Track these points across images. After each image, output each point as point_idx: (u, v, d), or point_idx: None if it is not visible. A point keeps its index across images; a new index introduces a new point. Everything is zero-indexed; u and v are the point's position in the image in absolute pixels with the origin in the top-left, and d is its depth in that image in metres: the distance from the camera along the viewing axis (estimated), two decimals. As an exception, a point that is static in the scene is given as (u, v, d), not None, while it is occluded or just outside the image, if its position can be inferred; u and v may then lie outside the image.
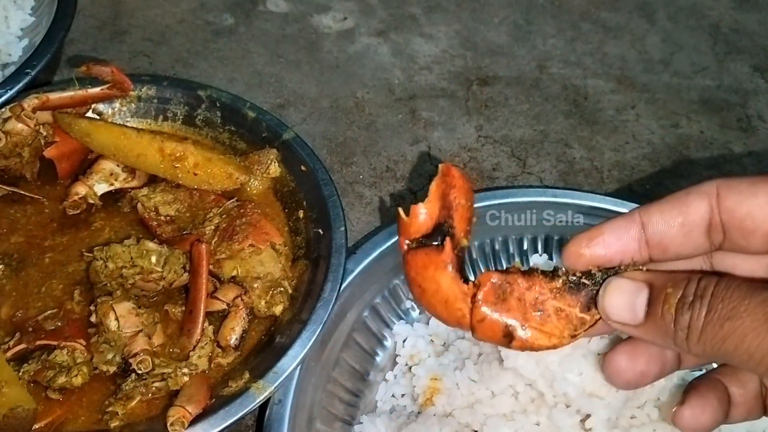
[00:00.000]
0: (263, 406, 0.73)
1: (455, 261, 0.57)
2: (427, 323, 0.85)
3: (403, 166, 1.04)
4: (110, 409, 0.71)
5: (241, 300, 0.78)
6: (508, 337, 0.57)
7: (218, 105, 0.95)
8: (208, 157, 0.85)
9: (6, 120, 0.83)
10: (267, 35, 1.20)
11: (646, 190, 1.04)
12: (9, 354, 0.72)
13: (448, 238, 0.57)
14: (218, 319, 0.78)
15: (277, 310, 0.79)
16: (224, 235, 0.81)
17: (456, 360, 0.76)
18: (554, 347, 0.57)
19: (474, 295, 0.57)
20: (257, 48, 1.18)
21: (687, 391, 0.57)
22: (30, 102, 0.85)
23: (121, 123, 0.92)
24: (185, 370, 0.73)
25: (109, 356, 0.72)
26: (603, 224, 0.56)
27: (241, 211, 0.84)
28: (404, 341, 0.83)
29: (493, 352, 0.74)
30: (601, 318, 0.56)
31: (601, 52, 1.25)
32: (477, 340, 0.63)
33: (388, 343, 0.84)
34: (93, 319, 0.75)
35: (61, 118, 0.86)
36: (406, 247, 0.59)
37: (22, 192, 0.85)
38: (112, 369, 0.72)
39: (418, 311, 0.87)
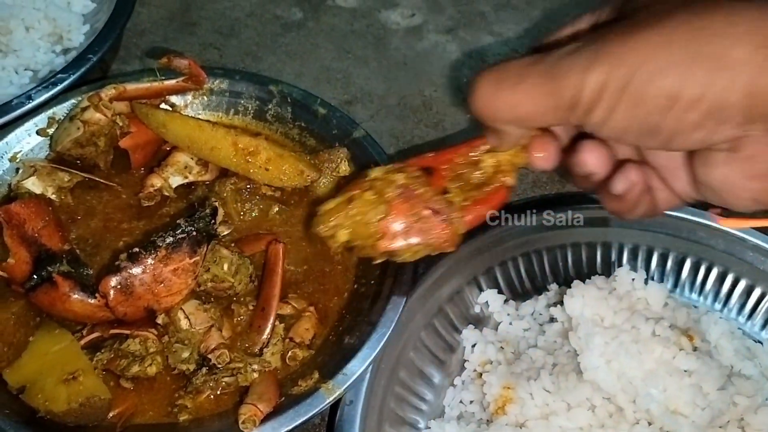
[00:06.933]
0: (333, 405, 0.72)
1: (74, 285, 0.71)
2: (496, 329, 0.83)
3: (472, 167, 1.01)
4: (180, 402, 0.71)
5: (315, 308, 0.78)
6: (151, 314, 0.73)
7: (289, 100, 0.94)
8: (280, 153, 0.84)
9: (84, 109, 0.84)
10: (335, 30, 1.19)
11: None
12: (82, 342, 0.72)
13: (55, 275, 0.71)
14: (285, 321, 0.77)
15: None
16: None
17: (529, 369, 0.74)
18: (185, 296, 0.73)
19: (106, 304, 0.71)
20: (325, 43, 1.17)
21: None
22: (107, 92, 0.85)
23: (194, 116, 0.92)
24: (255, 367, 0.72)
25: (185, 355, 0.72)
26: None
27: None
28: (473, 346, 0.81)
29: (570, 363, 0.72)
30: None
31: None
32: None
33: (457, 347, 0.83)
34: (159, 320, 0.74)
35: (138, 108, 0.86)
36: (22, 290, 0.73)
37: (98, 179, 0.85)
38: (192, 367, 0.72)
39: (486, 316, 0.85)
